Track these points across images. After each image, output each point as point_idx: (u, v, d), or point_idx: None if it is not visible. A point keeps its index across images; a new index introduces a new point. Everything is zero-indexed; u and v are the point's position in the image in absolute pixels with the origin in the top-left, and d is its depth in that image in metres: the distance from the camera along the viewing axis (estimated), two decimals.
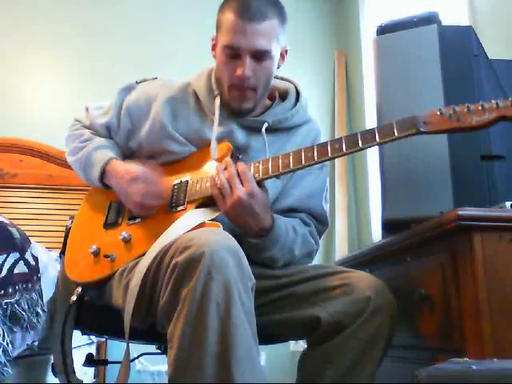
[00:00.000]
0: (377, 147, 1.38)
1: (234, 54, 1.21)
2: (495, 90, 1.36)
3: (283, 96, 1.37)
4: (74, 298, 1.19)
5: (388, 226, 1.36)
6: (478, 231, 1.04)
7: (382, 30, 1.44)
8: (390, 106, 1.36)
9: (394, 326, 1.11)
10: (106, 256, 1.20)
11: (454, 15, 2.25)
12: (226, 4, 1.24)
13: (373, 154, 2.80)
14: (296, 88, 1.38)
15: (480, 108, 1.03)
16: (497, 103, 1.02)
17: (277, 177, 1.19)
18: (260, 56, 1.21)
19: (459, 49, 1.34)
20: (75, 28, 3.11)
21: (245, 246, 1.03)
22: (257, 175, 1.15)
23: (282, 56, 1.30)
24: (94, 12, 3.16)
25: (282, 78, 1.42)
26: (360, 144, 1.10)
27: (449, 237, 1.11)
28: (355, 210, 3.07)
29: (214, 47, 1.30)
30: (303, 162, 1.13)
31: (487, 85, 1.33)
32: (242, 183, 1.11)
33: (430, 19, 1.39)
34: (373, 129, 1.11)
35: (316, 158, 1.12)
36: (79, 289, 1.21)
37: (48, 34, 3.08)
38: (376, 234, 2.73)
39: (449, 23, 1.45)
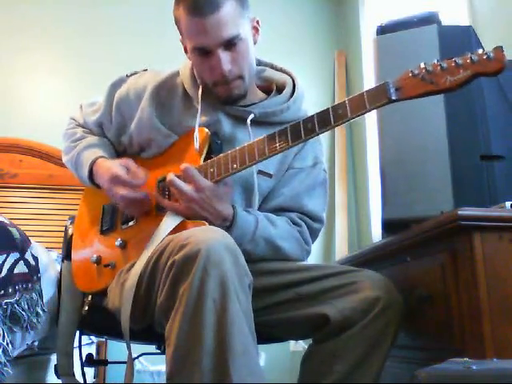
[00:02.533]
0: (377, 147, 1.38)
1: (205, 52, 1.18)
2: (495, 90, 1.36)
3: (280, 89, 1.34)
4: (86, 308, 1.24)
5: (388, 226, 1.36)
6: (477, 231, 1.04)
7: (382, 30, 1.44)
8: (389, 106, 1.35)
9: (401, 324, 1.11)
10: (107, 265, 1.22)
11: (454, 15, 2.25)
12: (178, 2, 1.20)
13: (373, 154, 2.80)
14: (294, 81, 1.34)
15: (453, 65, 0.97)
16: (471, 58, 0.95)
17: (255, 164, 1.15)
18: (231, 44, 1.17)
19: (459, 49, 1.33)
20: (75, 28, 3.11)
21: None
22: (235, 166, 1.13)
23: (256, 29, 1.26)
24: (95, 13, 3.15)
25: (281, 70, 1.38)
26: (332, 121, 1.05)
27: (449, 237, 1.11)
28: (355, 209, 3.07)
29: (186, 49, 1.26)
30: (278, 148, 1.10)
31: (487, 85, 1.32)
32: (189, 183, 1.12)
33: (429, 19, 1.39)
34: (343, 101, 1.06)
35: (290, 142, 1.09)
36: (89, 298, 1.24)
37: (48, 34, 3.08)
38: (376, 234, 2.73)
39: (449, 23, 1.45)
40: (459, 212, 1.04)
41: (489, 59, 0.94)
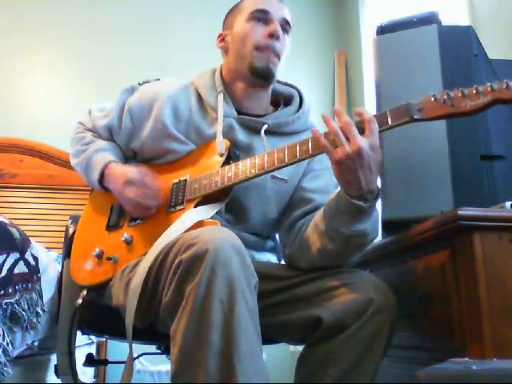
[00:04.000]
0: None
1: (263, 18, 1.27)
2: None
3: (287, 102, 1.38)
4: (79, 301, 1.21)
5: (388, 226, 1.36)
6: (477, 231, 1.04)
7: (382, 30, 1.44)
8: (390, 106, 1.35)
9: (395, 326, 1.11)
10: (109, 258, 1.21)
11: (454, 15, 2.25)
12: None
13: None
14: (300, 94, 1.39)
15: (474, 92, 1.00)
16: (491, 86, 0.99)
17: (273, 171, 1.15)
18: (285, 28, 1.29)
19: (459, 49, 1.34)
20: (75, 28, 3.11)
21: (336, 222, 1.07)
22: (253, 171, 1.14)
23: None
24: (94, 12, 3.16)
25: (285, 84, 1.42)
26: None
27: (449, 237, 1.11)
28: None
29: (222, 39, 1.34)
30: (298, 156, 1.10)
31: None
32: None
33: (429, 19, 1.39)
34: None
35: (311, 151, 1.09)
36: (84, 292, 1.22)
37: (48, 34, 3.09)
38: None
39: (449, 23, 1.45)
40: (459, 212, 1.04)
41: (508, 88, 0.99)
